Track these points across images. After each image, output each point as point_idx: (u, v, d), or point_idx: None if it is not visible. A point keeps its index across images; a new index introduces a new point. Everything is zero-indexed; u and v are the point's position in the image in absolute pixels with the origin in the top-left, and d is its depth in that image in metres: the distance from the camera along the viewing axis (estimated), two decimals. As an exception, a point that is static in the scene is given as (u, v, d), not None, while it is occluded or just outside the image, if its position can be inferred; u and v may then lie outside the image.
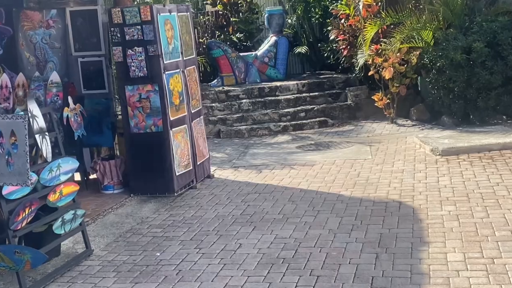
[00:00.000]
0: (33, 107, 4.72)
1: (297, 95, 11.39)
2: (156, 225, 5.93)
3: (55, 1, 7.43)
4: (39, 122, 4.73)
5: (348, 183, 6.89)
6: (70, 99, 6.97)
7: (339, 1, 11.82)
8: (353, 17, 11.05)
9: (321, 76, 12.30)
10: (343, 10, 11.38)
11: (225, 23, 13.31)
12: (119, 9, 6.59)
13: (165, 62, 6.68)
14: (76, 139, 7.02)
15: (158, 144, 6.74)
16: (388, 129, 9.97)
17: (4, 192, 4.37)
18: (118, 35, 6.63)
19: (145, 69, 6.62)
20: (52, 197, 4.77)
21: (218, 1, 13.55)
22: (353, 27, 11.10)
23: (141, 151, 6.79)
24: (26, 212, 4.49)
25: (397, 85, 10.07)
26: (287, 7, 13.68)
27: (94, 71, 7.49)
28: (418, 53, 9.94)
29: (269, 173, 7.71)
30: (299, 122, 10.69)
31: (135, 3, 7.88)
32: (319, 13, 13.00)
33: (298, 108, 11.03)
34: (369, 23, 10.18)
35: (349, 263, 4.59)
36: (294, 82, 11.70)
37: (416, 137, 8.69)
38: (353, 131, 10.13)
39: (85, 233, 5.19)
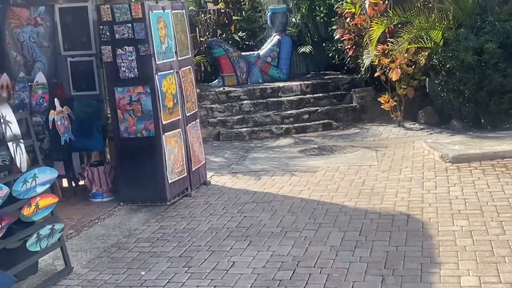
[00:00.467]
0: (6, 112, 4.31)
1: (300, 96, 10.95)
2: (144, 238, 5.51)
3: (43, -3, 7.05)
4: (13, 128, 4.32)
5: (352, 192, 6.46)
6: (56, 102, 6.56)
7: (345, -1, 11.39)
8: (359, 16, 10.61)
9: (326, 77, 11.86)
10: (349, 9, 10.93)
11: (227, 21, 12.88)
12: (108, 6, 6.18)
13: (157, 63, 6.26)
14: (63, 144, 6.61)
15: (150, 149, 6.33)
16: (395, 133, 9.52)
17: (-28, 205, 3.97)
18: (108, 33, 6.21)
19: (136, 69, 6.21)
20: (26, 211, 4.36)
21: (220, -1, 13.12)
22: (359, 26, 10.65)
23: (132, 157, 6.37)
24: (-3, 228, 4.09)
25: (405, 87, 9.62)
26: (291, 5, 13.22)
27: (84, 72, 7.08)
28: (426, 53, 9.49)
29: (268, 180, 7.28)
30: (302, 124, 10.26)
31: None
32: (324, 11, 12.56)
33: (302, 110, 10.59)
34: (375, 22, 9.72)
35: (352, 287, 4.17)
36: (298, 83, 11.26)
37: (424, 142, 8.24)
38: (358, 134, 9.69)
39: (64, 250, 4.78)
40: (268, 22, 12.32)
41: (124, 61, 6.20)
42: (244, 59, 11.70)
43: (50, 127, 6.45)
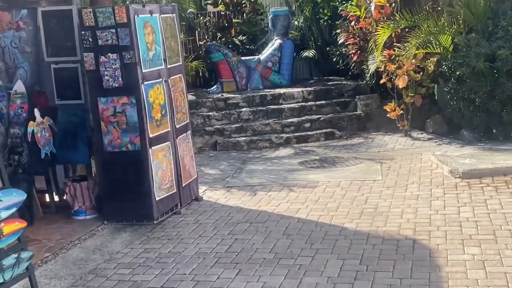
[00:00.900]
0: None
1: (302, 103, 10.48)
2: (126, 264, 5.04)
3: (25, 0, 6.60)
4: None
5: (353, 212, 5.97)
6: (37, 112, 6.12)
7: (349, 2, 10.91)
8: (364, 20, 10.13)
9: (329, 83, 11.37)
10: (354, 12, 10.45)
11: (227, 24, 12.42)
12: (90, 9, 5.72)
13: (143, 71, 5.80)
14: (43, 157, 6.17)
15: (135, 164, 5.87)
16: (401, 143, 9.03)
17: None
18: (90, 39, 5.76)
19: (120, 78, 5.75)
20: (-13, 239, 3.91)
21: (220, 1, 12.65)
22: (364, 30, 10.18)
23: (116, 172, 5.92)
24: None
25: (412, 94, 9.12)
26: (294, 7, 12.77)
27: (69, 79, 6.62)
28: (435, 59, 8.99)
29: (265, 196, 6.80)
30: (303, 133, 9.78)
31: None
32: (328, 14, 12.12)
33: (303, 118, 10.12)
34: (381, 26, 9.23)
35: (350, 330, 3.69)
36: (299, 89, 10.78)
37: (433, 155, 7.74)
38: (362, 144, 9.20)
39: (33, 280, 4.32)
40: (270, 25, 11.86)
41: (107, 69, 5.75)
42: (243, 64, 11.24)
43: (30, 139, 6.00)
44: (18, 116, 6.25)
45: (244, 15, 12.57)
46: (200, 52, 12.13)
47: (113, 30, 5.68)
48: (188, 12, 12.20)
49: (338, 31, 10.97)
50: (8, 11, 6.67)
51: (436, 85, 9.36)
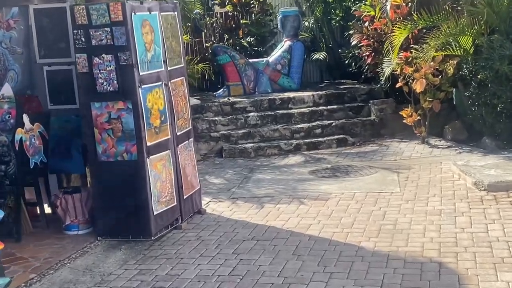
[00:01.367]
0: None
1: (312, 108, 9.95)
2: (118, 288, 4.56)
3: (15, -3, 6.15)
4: None
5: (371, 229, 5.44)
6: (25, 118, 5.65)
7: (363, 1, 10.39)
8: (379, 20, 9.60)
9: (341, 87, 10.84)
10: (368, 12, 9.93)
11: (234, 25, 11.91)
12: (83, 6, 5.24)
13: (141, 74, 5.31)
14: (32, 167, 5.69)
15: (131, 175, 5.37)
16: (418, 151, 8.49)
17: None
18: (83, 39, 5.28)
19: (115, 81, 5.26)
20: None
21: (227, 1, 12.16)
22: (379, 31, 9.65)
23: (111, 184, 5.43)
24: None
25: (430, 99, 8.58)
26: (304, 8, 12.25)
27: (63, 82, 6.16)
28: (455, 62, 8.45)
29: (273, 208, 6.29)
30: (314, 140, 9.25)
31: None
32: (340, 14, 11.59)
33: (314, 123, 9.59)
34: (398, 27, 8.69)
35: None
36: (310, 93, 10.26)
37: (454, 165, 7.19)
38: (377, 152, 8.66)
39: (9, 309, 3.84)
40: (279, 26, 11.34)
41: (101, 71, 5.26)
42: (251, 66, 10.73)
43: (17, 148, 5.52)
44: (5, 123, 5.77)
45: (253, 15, 12.05)
46: (207, 54, 11.65)
47: (108, 29, 5.19)
48: (194, 12, 11.72)
49: (350, 32, 10.45)
50: (-2, 9, 6.22)
51: (454, 90, 8.83)
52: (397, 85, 8.93)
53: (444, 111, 9.01)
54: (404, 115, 8.93)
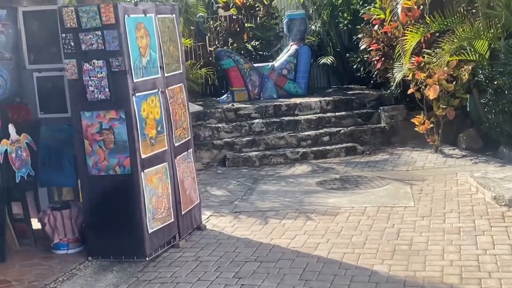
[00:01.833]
0: None
1: (320, 114, 9.53)
2: (106, 317, 4.15)
3: (3, -2, 5.76)
4: None
5: (384, 249, 5.00)
6: (11, 128, 5.26)
7: (372, 4, 9.97)
8: (389, 23, 9.17)
9: (350, 92, 10.42)
10: (377, 15, 9.51)
11: (238, 29, 11.51)
12: (72, 8, 4.84)
13: (135, 81, 4.91)
14: (18, 180, 5.30)
15: (125, 191, 4.96)
16: (431, 161, 8.05)
17: None
18: (72, 43, 4.88)
19: (107, 89, 4.86)
20: None
21: (232, 4, 11.76)
22: (389, 34, 9.23)
23: (102, 199, 5.02)
24: None
25: (444, 106, 8.14)
26: (311, 11, 11.84)
27: (54, 89, 5.76)
28: (470, 67, 8.01)
29: (278, 224, 5.86)
30: (321, 148, 8.82)
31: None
32: (348, 18, 11.18)
33: (321, 131, 9.16)
34: (409, 30, 8.26)
35: None
36: (317, 99, 9.84)
37: (471, 177, 6.74)
38: (387, 161, 8.23)
39: None
40: (285, 30, 10.94)
41: (92, 78, 4.86)
42: (256, 71, 10.33)
43: (1, 161, 5.13)
44: (-11, 133, 5.38)
45: (258, 19, 11.66)
46: (210, 58, 11.27)
47: (99, 33, 4.79)
48: (198, 16, 11.34)
49: (359, 36, 10.03)
50: (-15, 12, 5.83)
51: (468, 96, 8.39)
52: (409, 91, 8.51)
53: (458, 118, 8.57)
54: (416, 123, 8.50)
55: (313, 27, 11.52)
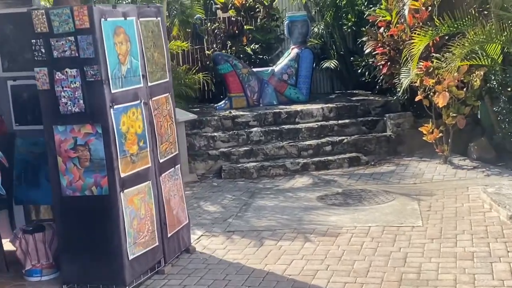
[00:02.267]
0: None
1: (322, 122, 9.04)
2: None
3: (-26, 0, 5.30)
4: None
5: (390, 278, 4.50)
6: (-21, 143, 4.79)
7: (378, 5, 9.47)
8: (396, 26, 8.66)
9: (354, 98, 9.92)
10: (383, 17, 9.01)
11: (237, 31, 11.02)
12: (42, 11, 4.36)
13: (113, 91, 4.42)
14: (-13, 200, 4.84)
15: (102, 213, 4.47)
16: (440, 172, 7.55)
17: None
18: (43, 50, 4.40)
19: (81, 101, 4.38)
20: None
21: (230, 5, 11.28)
22: (396, 38, 8.73)
23: (78, 222, 4.54)
24: None
25: (454, 114, 7.63)
26: (313, 12, 11.35)
27: (30, 99, 5.24)
28: (482, 73, 7.50)
29: (274, 247, 5.37)
30: (323, 158, 8.33)
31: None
32: (353, 20, 10.69)
33: (323, 140, 8.67)
34: (417, 33, 7.75)
35: None
36: (319, 106, 9.35)
37: (484, 192, 6.24)
38: (394, 173, 7.73)
39: None
40: (286, 32, 10.44)
41: (65, 89, 4.39)
42: (255, 76, 9.84)
43: (-32, 179, 4.67)
44: (-45, 148, 4.92)
45: (258, 21, 11.18)
46: (208, 62, 10.80)
47: (72, 38, 4.31)
48: (195, 18, 10.86)
49: (364, 39, 9.53)
50: (-45, 15, 5.37)
51: (480, 103, 7.89)
52: (417, 98, 8.01)
53: (467, 126, 8.05)
54: (424, 132, 7.99)
55: (315, 29, 11.03)
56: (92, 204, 4.49)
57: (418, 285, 4.35)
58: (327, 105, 9.37)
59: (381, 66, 9.03)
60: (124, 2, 7.36)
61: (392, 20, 8.71)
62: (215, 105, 9.96)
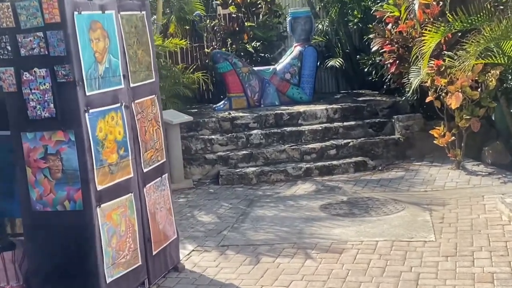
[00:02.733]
0: None
1: (326, 124, 8.54)
2: None
3: None
4: None
5: (399, 304, 4.01)
6: None
7: (385, 0, 8.95)
8: (405, 22, 8.14)
9: (360, 99, 9.40)
10: (391, 12, 8.48)
11: (238, 28, 10.51)
12: (8, 4, 3.86)
13: (88, 94, 3.93)
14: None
15: (75, 230, 3.98)
16: (453, 179, 7.04)
17: None
18: (8, 47, 3.91)
19: (51, 105, 3.88)
20: None
21: (231, 1, 10.77)
22: (405, 34, 8.20)
23: (49, 241, 4.06)
24: None
25: (468, 117, 7.11)
26: (318, 8, 10.84)
27: (3, 102, 4.80)
28: (498, 72, 6.97)
29: (271, 265, 4.87)
30: (327, 163, 7.83)
31: None
32: (359, 16, 10.18)
33: (327, 143, 8.17)
34: (428, 30, 7.22)
35: None
36: (323, 107, 8.84)
37: (502, 202, 5.71)
38: (402, 179, 7.23)
39: None
40: (288, 30, 9.93)
41: (33, 91, 3.89)
42: (256, 75, 9.34)
43: None
44: None
45: (259, 17, 10.68)
46: (207, 61, 10.31)
47: (41, 34, 3.82)
48: (194, 14, 10.38)
49: (371, 36, 9.01)
50: None
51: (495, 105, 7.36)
52: (427, 99, 7.50)
53: (482, 128, 7.52)
54: (436, 135, 7.48)
55: (320, 26, 10.52)
56: (64, 221, 4.00)
57: (432, 314, 3.85)
58: (331, 106, 8.86)
59: (389, 65, 8.49)
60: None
61: (401, 16, 8.19)
62: (214, 106, 9.47)
